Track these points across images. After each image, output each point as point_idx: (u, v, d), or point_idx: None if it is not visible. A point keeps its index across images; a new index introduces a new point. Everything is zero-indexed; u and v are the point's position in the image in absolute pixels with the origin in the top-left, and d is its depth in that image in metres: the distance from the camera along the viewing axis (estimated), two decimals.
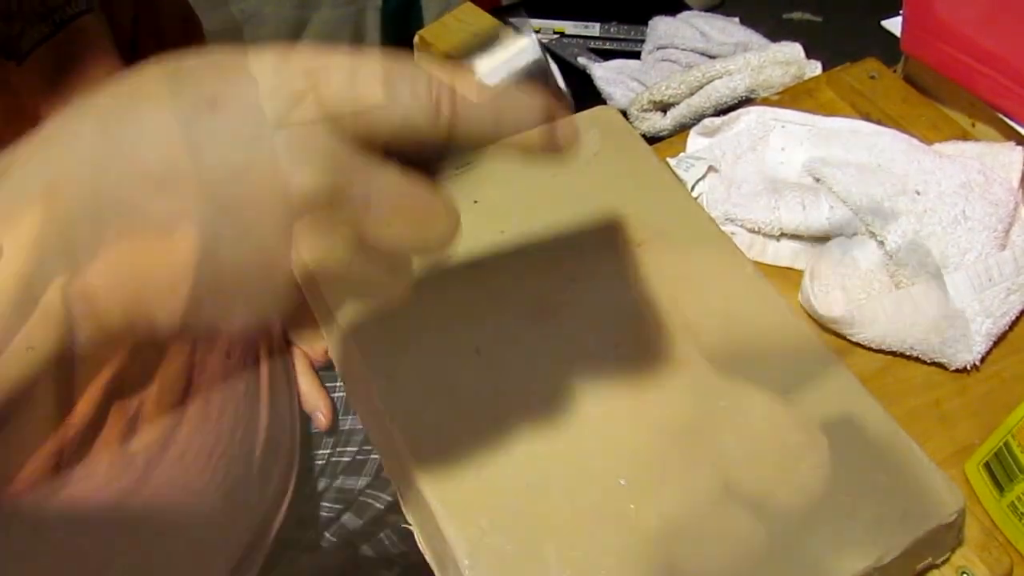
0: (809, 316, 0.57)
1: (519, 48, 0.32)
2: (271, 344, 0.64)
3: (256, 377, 0.60)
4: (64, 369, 0.44)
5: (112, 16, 0.54)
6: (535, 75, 0.32)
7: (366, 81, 0.26)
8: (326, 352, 0.69)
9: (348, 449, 0.68)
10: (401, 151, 0.27)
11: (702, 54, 1.07)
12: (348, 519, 0.67)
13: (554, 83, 0.32)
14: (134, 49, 0.60)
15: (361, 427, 0.68)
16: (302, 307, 0.26)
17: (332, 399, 0.67)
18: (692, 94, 0.83)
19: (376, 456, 0.67)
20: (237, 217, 0.24)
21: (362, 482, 0.67)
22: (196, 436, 0.52)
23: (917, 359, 0.55)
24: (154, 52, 0.66)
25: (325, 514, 0.66)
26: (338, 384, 0.69)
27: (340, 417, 0.68)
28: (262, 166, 0.24)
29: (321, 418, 0.66)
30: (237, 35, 1.46)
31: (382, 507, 0.67)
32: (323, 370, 0.69)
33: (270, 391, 0.60)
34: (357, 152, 0.25)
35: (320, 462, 0.67)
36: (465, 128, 0.28)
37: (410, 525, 0.43)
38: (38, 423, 0.44)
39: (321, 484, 0.67)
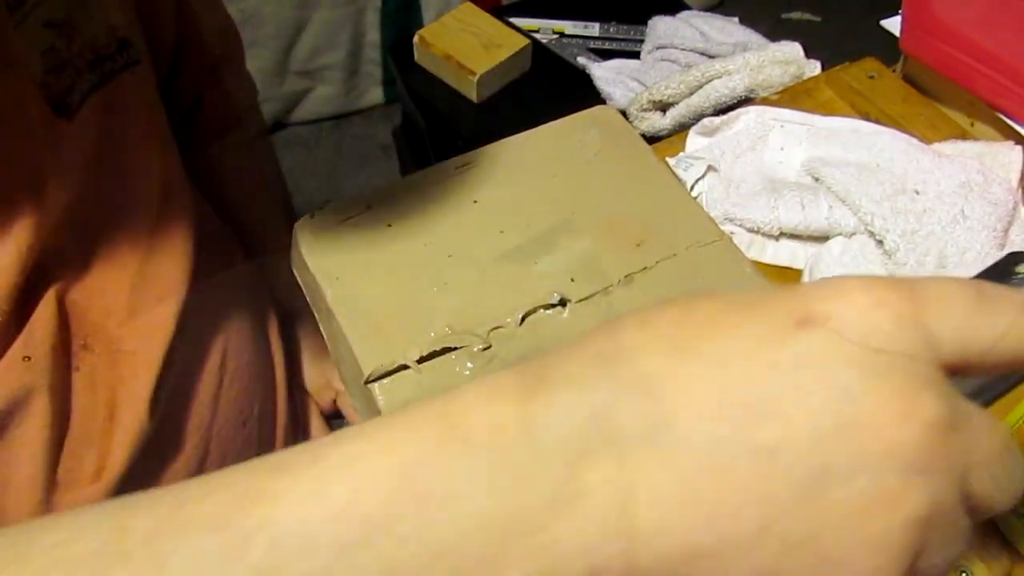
0: None
1: None
2: (287, 398, 0.64)
3: (270, 440, 0.60)
4: (57, 380, 0.44)
5: (154, 43, 0.54)
6: None
7: (985, 311, 0.23)
8: (334, 401, 0.70)
9: None
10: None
11: (701, 54, 1.07)
12: None
13: None
14: (175, 76, 0.61)
15: None
16: None
17: None
18: (691, 94, 0.83)
19: None
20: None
21: None
22: None
23: None
24: (195, 74, 0.66)
25: None
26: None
27: None
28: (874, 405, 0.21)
29: None
30: None
31: None
32: (332, 418, 0.69)
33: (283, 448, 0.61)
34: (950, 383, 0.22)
35: None
36: None
37: None
38: (34, 433, 0.44)
39: None
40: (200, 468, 0.52)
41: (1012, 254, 0.29)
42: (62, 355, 0.45)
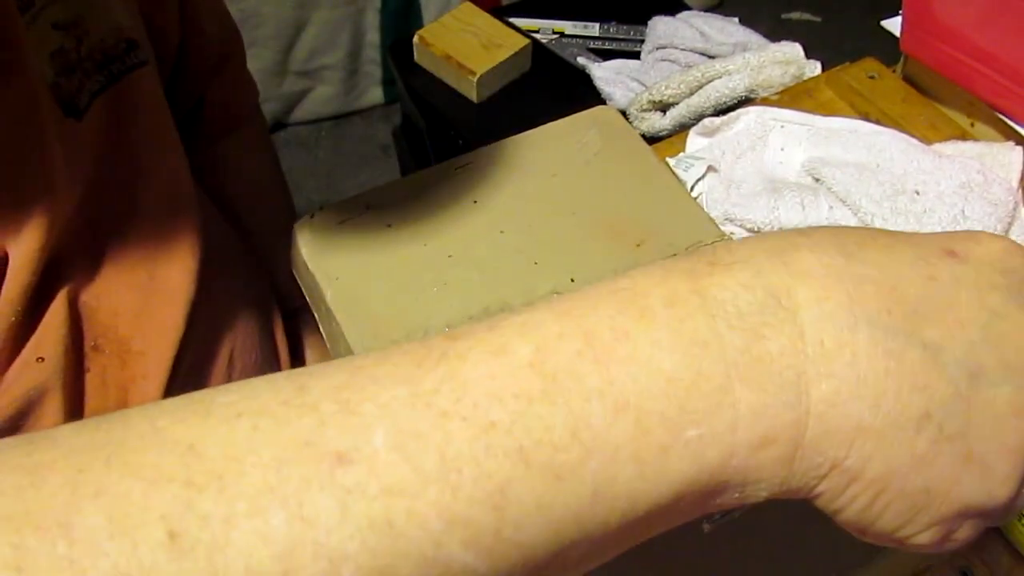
0: None
1: None
2: None
3: None
4: (70, 381, 0.44)
5: (158, 43, 0.54)
6: None
7: None
8: None
9: None
10: None
11: (702, 54, 1.07)
12: None
13: None
14: (178, 75, 0.61)
15: None
16: None
17: None
18: (692, 94, 0.83)
19: None
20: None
21: None
22: None
23: None
24: (198, 73, 0.66)
25: None
26: None
27: None
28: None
29: None
30: None
31: None
32: None
33: None
34: None
35: None
36: None
37: None
38: None
39: None
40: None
41: None
42: (74, 356, 0.45)
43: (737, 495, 0.22)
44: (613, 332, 0.21)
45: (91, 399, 0.46)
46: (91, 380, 0.46)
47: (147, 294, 0.48)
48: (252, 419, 0.19)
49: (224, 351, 0.55)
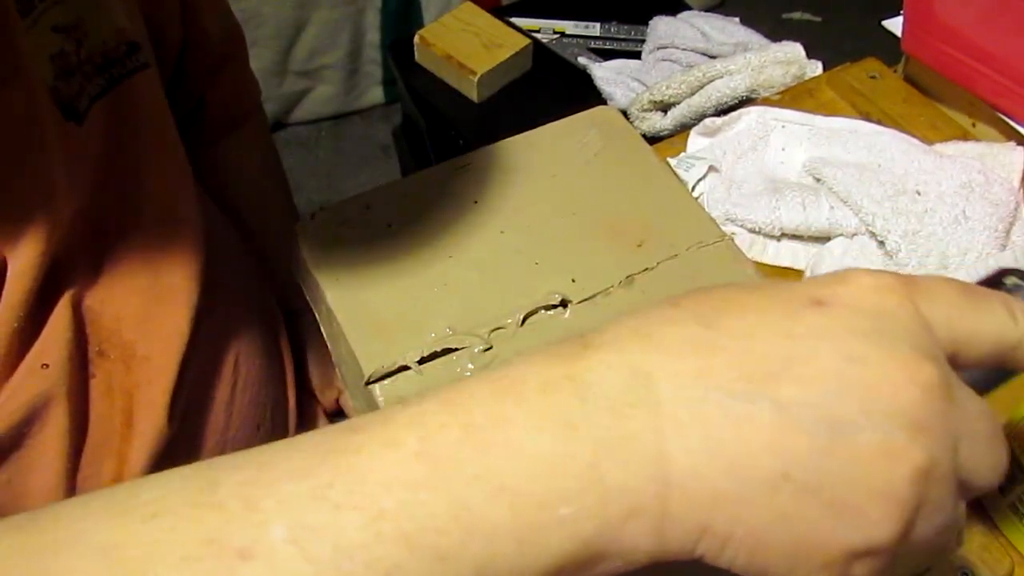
0: None
1: None
2: (297, 403, 0.63)
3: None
4: (75, 386, 0.44)
5: (159, 43, 0.54)
6: None
7: (972, 304, 0.26)
8: (337, 401, 0.69)
9: None
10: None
11: (702, 54, 1.07)
12: None
13: None
14: (179, 75, 0.60)
15: None
16: None
17: None
18: (692, 94, 0.83)
19: None
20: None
21: None
22: None
23: None
24: (199, 72, 0.65)
25: None
26: None
27: None
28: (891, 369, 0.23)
29: None
30: None
31: None
32: (335, 417, 0.69)
33: None
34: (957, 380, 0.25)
35: None
36: None
37: None
38: (53, 440, 0.43)
39: None
40: None
41: (1001, 271, 0.31)
42: (78, 362, 0.44)
43: (619, 563, 0.23)
44: (491, 419, 0.23)
45: (96, 405, 0.46)
46: (96, 386, 0.46)
47: (151, 298, 0.48)
48: (166, 519, 0.21)
49: (230, 356, 0.55)
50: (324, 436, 0.24)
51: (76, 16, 0.44)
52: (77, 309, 0.45)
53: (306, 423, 0.66)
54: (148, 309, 0.48)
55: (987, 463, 0.25)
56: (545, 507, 0.22)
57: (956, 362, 0.25)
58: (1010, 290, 0.30)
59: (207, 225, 0.54)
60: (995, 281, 0.31)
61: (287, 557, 0.21)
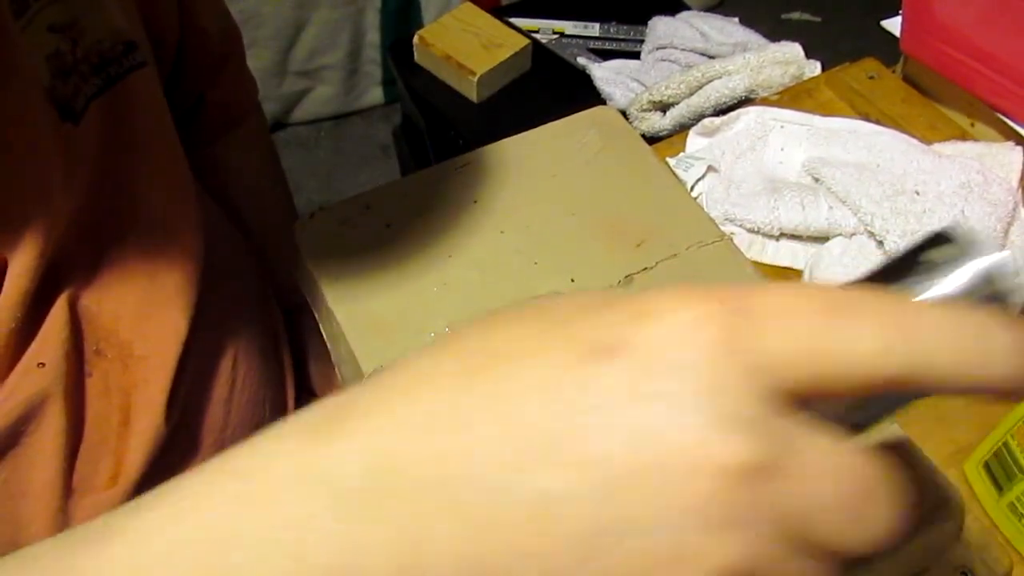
0: None
1: (996, 265, 0.22)
2: (296, 402, 0.63)
3: None
4: (71, 386, 0.44)
5: (156, 43, 0.54)
6: (1004, 300, 0.22)
7: (837, 325, 0.19)
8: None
9: None
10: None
11: (701, 54, 1.07)
12: None
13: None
14: (178, 74, 0.60)
15: None
16: None
17: None
18: (691, 94, 0.83)
19: None
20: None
21: None
22: None
23: None
24: (197, 71, 0.65)
25: None
26: None
27: None
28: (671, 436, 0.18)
29: None
30: None
31: None
32: None
33: None
34: (787, 415, 0.19)
35: None
36: (921, 371, 0.20)
37: None
38: (49, 440, 0.43)
39: None
40: None
41: (930, 237, 0.23)
42: (75, 361, 0.44)
43: None
44: (219, 532, 0.20)
45: (93, 404, 0.46)
46: (94, 385, 0.46)
47: (148, 297, 0.48)
48: None
49: (228, 355, 0.55)
50: (54, 552, 0.22)
51: (72, 16, 0.44)
52: (74, 309, 0.45)
53: None
54: (145, 308, 0.48)
55: (855, 529, 0.19)
56: None
57: (818, 400, 0.20)
58: (932, 268, 0.22)
59: (206, 225, 0.54)
60: (910, 258, 0.23)
61: None
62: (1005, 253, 0.22)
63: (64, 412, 0.43)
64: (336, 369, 0.50)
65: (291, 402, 0.62)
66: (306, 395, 0.68)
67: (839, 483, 0.19)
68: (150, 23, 0.53)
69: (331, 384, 0.70)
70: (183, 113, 0.62)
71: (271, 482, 0.20)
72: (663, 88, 0.84)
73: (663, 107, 0.86)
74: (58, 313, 0.43)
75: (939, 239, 0.23)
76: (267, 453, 0.21)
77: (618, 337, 0.19)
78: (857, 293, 0.20)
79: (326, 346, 0.50)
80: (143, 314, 0.48)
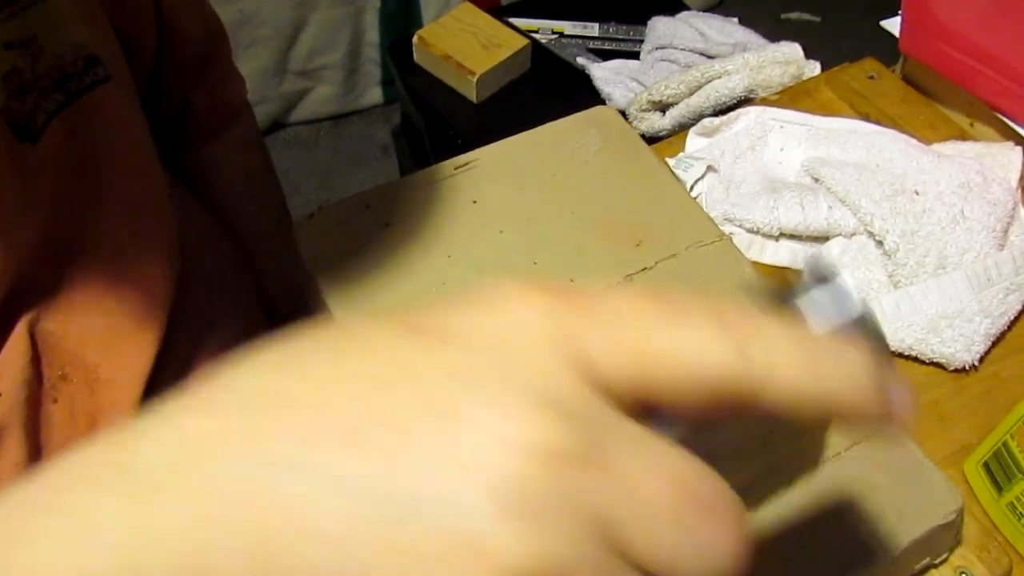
0: None
1: (841, 293, 0.23)
2: None
3: None
4: (32, 414, 0.43)
5: (134, 52, 0.53)
6: (858, 328, 0.23)
7: (668, 324, 0.18)
8: None
9: None
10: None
11: (701, 54, 1.07)
12: None
13: (879, 335, 0.23)
14: (159, 79, 0.59)
15: None
16: None
17: None
18: (691, 94, 0.83)
19: None
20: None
21: None
22: None
23: (915, 359, 0.55)
24: (179, 75, 0.63)
25: None
26: None
27: None
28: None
29: None
30: (235, 35, 1.46)
31: None
32: None
33: None
34: (611, 409, 0.18)
35: None
36: (775, 391, 0.19)
37: None
38: (8, 472, 0.42)
39: None
40: None
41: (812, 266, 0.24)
42: (36, 389, 0.43)
43: None
44: (9, 538, 0.18)
45: (59, 431, 0.44)
46: (59, 411, 0.44)
47: (116, 320, 0.46)
48: None
49: (204, 369, 0.53)
50: None
51: (30, 32, 0.42)
52: (34, 334, 0.43)
53: None
54: (113, 331, 0.46)
55: (674, 544, 0.17)
56: None
57: (651, 403, 0.19)
58: (800, 293, 0.23)
59: (188, 235, 0.52)
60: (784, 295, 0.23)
61: None
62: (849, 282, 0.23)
63: (23, 444, 0.42)
64: None
65: None
66: None
67: (663, 488, 0.17)
68: (126, 34, 0.52)
69: None
70: (168, 117, 0.61)
71: (59, 479, 0.19)
72: (663, 88, 0.84)
73: (663, 107, 0.86)
74: (17, 340, 0.42)
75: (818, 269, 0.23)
76: (66, 462, 0.19)
77: (442, 322, 0.19)
78: (700, 301, 0.19)
79: None
80: (111, 336, 0.46)
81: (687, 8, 1.24)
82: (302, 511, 0.17)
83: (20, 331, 0.42)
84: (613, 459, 0.17)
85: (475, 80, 1.10)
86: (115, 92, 0.48)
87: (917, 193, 0.58)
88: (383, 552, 0.17)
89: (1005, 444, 0.45)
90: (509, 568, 0.16)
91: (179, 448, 0.18)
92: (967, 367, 0.54)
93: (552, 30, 1.24)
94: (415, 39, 1.15)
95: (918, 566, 0.42)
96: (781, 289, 0.23)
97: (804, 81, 0.75)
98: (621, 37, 1.23)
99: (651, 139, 0.81)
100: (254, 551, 0.17)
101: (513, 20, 1.21)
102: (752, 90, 0.77)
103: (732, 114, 0.68)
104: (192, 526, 0.17)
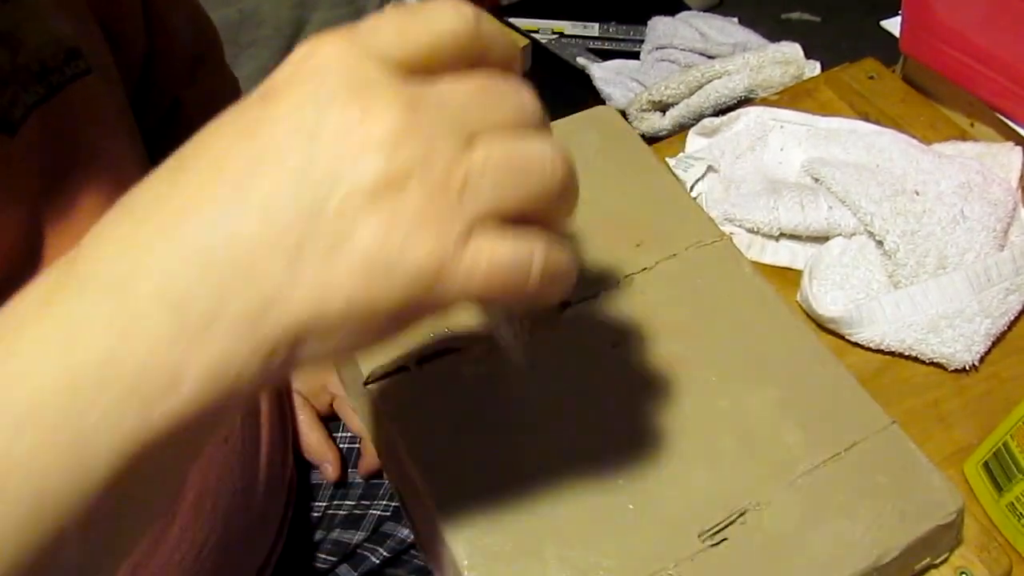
0: (808, 316, 0.57)
1: None
2: (274, 405, 0.62)
3: (256, 450, 0.58)
4: None
5: (123, 51, 0.53)
6: None
7: (418, 17, 0.26)
8: (331, 405, 0.69)
9: (346, 502, 0.67)
10: None
11: (701, 54, 1.07)
12: (344, 571, 0.65)
13: None
14: (150, 78, 0.59)
15: (360, 481, 0.68)
16: None
17: (340, 449, 0.67)
18: (691, 94, 0.83)
19: (375, 511, 0.66)
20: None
21: (359, 536, 0.66)
22: (188, 532, 0.50)
23: (915, 359, 0.55)
24: (169, 75, 0.62)
25: (320, 565, 0.65)
26: (345, 435, 0.69)
27: (349, 470, 0.68)
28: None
29: (330, 469, 0.65)
30: (235, 35, 1.46)
31: (378, 561, 0.66)
32: (329, 420, 0.69)
33: (268, 461, 0.58)
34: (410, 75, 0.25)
35: (316, 514, 0.67)
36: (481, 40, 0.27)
37: (408, 527, 0.43)
38: None
39: (317, 535, 0.66)
40: (179, 493, 0.50)
41: None
42: None
43: (198, 427, 0.24)
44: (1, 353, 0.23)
45: None
46: None
47: None
48: None
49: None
50: None
51: (11, 23, 0.42)
52: None
53: (284, 427, 0.64)
54: None
55: (498, 106, 0.25)
56: (70, 421, 0.23)
57: (430, 68, 0.26)
58: None
59: None
60: None
61: None
62: None
63: None
64: (335, 371, 0.50)
65: (265, 407, 0.61)
66: (284, 395, 0.67)
67: (475, 81, 0.26)
68: (112, 29, 0.51)
69: (325, 389, 0.69)
70: (160, 117, 0.61)
71: (28, 308, 0.25)
72: (663, 88, 0.84)
73: (663, 107, 0.86)
74: None
75: None
76: (22, 295, 0.25)
77: (271, 84, 0.27)
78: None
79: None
80: None
81: (687, 8, 1.24)
82: (245, 224, 0.24)
83: None
84: (433, 89, 0.25)
85: None
86: (97, 85, 0.47)
87: (917, 193, 0.58)
88: (312, 220, 0.24)
89: (1005, 444, 0.45)
90: (376, 137, 0.23)
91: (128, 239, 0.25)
92: (967, 367, 0.54)
93: (552, 30, 1.24)
94: None
95: (918, 566, 0.42)
96: None
97: (804, 81, 0.75)
98: (621, 37, 1.23)
99: (651, 139, 0.81)
100: (207, 271, 0.23)
101: (513, 20, 1.21)
102: (752, 90, 0.77)
103: (732, 114, 0.68)
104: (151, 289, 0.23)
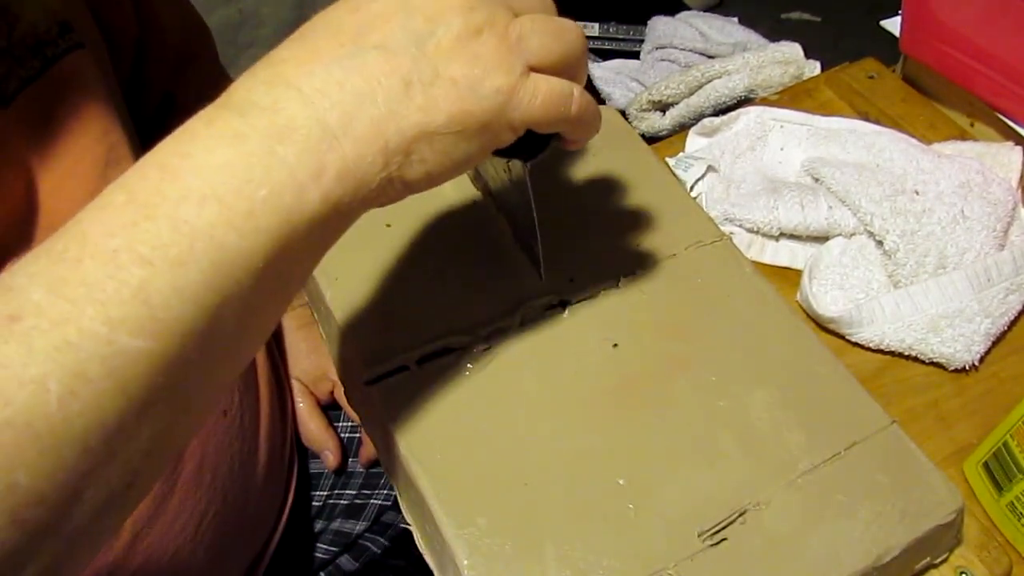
0: (808, 316, 0.57)
1: None
2: (272, 387, 0.62)
3: (255, 427, 0.58)
4: None
5: (112, 42, 0.53)
6: None
7: None
8: (331, 393, 0.69)
9: (347, 492, 0.68)
10: None
11: (701, 54, 1.07)
12: (344, 561, 0.66)
13: None
14: (141, 74, 0.59)
15: (361, 470, 0.68)
16: None
17: (340, 438, 0.67)
18: (691, 94, 0.83)
19: (376, 501, 0.66)
20: None
21: (360, 526, 0.66)
22: (188, 502, 0.50)
23: (915, 359, 0.55)
24: (161, 70, 0.62)
25: (320, 555, 0.65)
26: (346, 424, 0.69)
27: (350, 459, 0.68)
28: None
29: (330, 457, 0.65)
30: (235, 35, 1.46)
31: (379, 551, 0.66)
32: (329, 409, 0.69)
33: (268, 440, 0.59)
34: None
35: (317, 504, 0.67)
36: None
37: (408, 525, 0.43)
38: None
39: (318, 525, 0.66)
40: (179, 463, 0.51)
41: None
42: None
43: (339, 214, 0.31)
44: (177, 156, 0.28)
45: None
46: None
47: None
48: None
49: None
50: (60, 234, 0.28)
51: (4, 1, 0.43)
52: None
53: (284, 412, 0.64)
54: None
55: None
56: (244, 196, 0.28)
57: None
58: None
59: None
60: None
61: (50, 305, 0.25)
62: None
63: None
64: (335, 368, 0.50)
65: (265, 391, 0.61)
66: (284, 381, 0.67)
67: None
68: (104, 17, 0.52)
69: (326, 377, 0.69)
70: (153, 113, 0.61)
71: (198, 126, 0.29)
72: (663, 88, 0.84)
73: (663, 107, 0.86)
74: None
75: None
76: (188, 123, 0.30)
77: None
78: None
79: (319, 335, 0.49)
80: None
81: (687, 8, 1.24)
82: (371, 67, 0.31)
83: None
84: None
85: None
86: (89, 58, 0.48)
87: (917, 193, 0.58)
88: (429, 56, 0.31)
89: (1005, 444, 0.45)
90: (455, 4, 0.32)
91: (268, 85, 0.30)
92: (967, 367, 0.54)
93: None
94: None
95: (918, 566, 0.42)
96: None
97: (804, 81, 0.75)
98: (621, 37, 1.23)
99: (651, 139, 0.81)
100: (358, 100, 0.30)
101: None
102: (752, 90, 0.77)
103: (732, 114, 0.68)
104: (309, 109, 0.30)
